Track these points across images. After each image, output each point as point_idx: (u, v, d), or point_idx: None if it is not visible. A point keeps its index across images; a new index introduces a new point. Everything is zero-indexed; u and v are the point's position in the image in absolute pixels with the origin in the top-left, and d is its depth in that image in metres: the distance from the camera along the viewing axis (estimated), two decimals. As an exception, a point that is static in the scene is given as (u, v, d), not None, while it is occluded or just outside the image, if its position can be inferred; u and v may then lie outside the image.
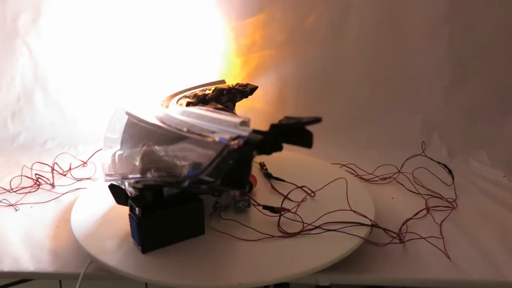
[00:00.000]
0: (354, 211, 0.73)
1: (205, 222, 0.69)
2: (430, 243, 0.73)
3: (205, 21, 1.28)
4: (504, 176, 1.04)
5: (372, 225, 0.71)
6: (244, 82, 1.04)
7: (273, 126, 0.55)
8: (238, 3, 1.27)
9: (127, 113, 0.74)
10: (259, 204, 0.75)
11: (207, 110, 0.71)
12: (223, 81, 1.05)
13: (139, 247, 0.65)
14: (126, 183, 0.68)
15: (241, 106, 1.24)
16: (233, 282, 0.58)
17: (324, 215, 0.72)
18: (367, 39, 1.28)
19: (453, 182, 0.95)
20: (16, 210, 0.88)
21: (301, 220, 0.72)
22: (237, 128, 0.57)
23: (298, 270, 0.61)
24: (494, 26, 1.23)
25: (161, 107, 0.82)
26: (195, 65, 1.29)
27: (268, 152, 0.56)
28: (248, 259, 0.64)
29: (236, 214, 0.75)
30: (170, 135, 0.63)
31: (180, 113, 0.71)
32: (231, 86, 0.98)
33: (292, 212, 0.74)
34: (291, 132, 0.56)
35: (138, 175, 0.66)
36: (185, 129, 0.61)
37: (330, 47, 1.29)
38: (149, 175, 0.65)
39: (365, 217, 0.72)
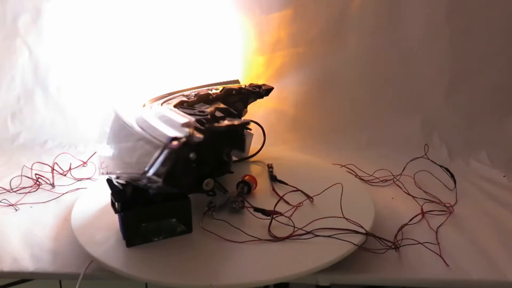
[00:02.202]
0: (347, 219, 0.70)
1: (192, 220, 0.69)
2: (428, 249, 0.72)
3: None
4: (504, 176, 1.04)
5: (366, 233, 0.68)
6: (261, 83, 1.01)
7: (206, 129, 0.56)
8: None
9: (113, 109, 0.75)
10: (252, 206, 0.74)
11: (171, 110, 0.72)
12: (237, 81, 1.03)
13: (124, 241, 0.66)
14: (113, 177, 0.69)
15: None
16: (205, 282, 0.58)
17: (314, 220, 0.70)
18: (367, 39, 1.28)
19: (455, 186, 0.93)
20: (16, 210, 0.88)
21: (293, 225, 0.70)
22: (178, 129, 0.58)
23: (274, 276, 0.60)
24: (494, 26, 1.23)
25: (143, 106, 0.81)
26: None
27: (206, 154, 0.57)
28: (228, 260, 0.64)
29: (230, 214, 0.75)
30: (133, 133, 0.65)
31: (153, 113, 0.72)
32: (242, 86, 0.96)
33: (285, 216, 0.72)
34: (224, 135, 0.58)
35: (116, 171, 0.68)
36: (142, 129, 0.63)
37: (331, 48, 1.29)
38: (114, 171, 0.66)
39: (359, 225, 0.69)
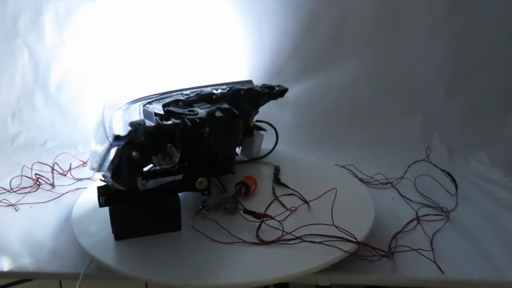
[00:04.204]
0: (337, 227, 0.68)
1: (183, 218, 0.70)
2: (423, 255, 0.70)
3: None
4: (504, 176, 1.04)
5: (357, 242, 0.65)
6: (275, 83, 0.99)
7: (143, 128, 0.58)
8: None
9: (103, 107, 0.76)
10: (243, 208, 0.73)
11: (139, 109, 0.72)
12: (250, 81, 1.00)
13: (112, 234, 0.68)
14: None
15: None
16: (178, 280, 0.58)
17: (306, 225, 0.68)
18: (366, 39, 1.28)
19: (456, 192, 0.91)
20: (16, 210, 0.88)
21: (282, 229, 0.68)
22: (125, 128, 0.59)
23: (253, 279, 0.59)
24: (494, 26, 1.23)
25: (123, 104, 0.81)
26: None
27: (149, 153, 0.58)
28: (209, 260, 0.63)
29: (224, 215, 0.74)
30: (102, 130, 0.67)
31: (125, 112, 0.73)
32: (252, 87, 0.94)
33: (276, 220, 0.70)
34: (160, 135, 0.59)
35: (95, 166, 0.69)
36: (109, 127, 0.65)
37: (331, 48, 1.29)
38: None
39: (350, 234, 0.66)
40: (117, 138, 0.58)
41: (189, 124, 0.67)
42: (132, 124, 0.60)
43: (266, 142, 1.01)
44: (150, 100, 0.78)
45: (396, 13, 1.25)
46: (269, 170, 0.94)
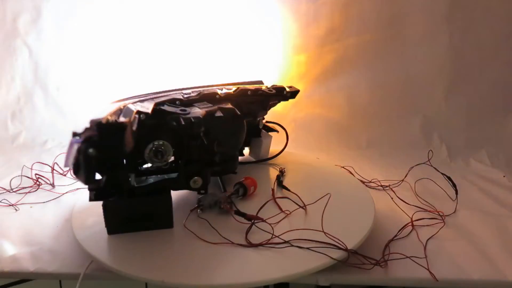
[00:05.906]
0: (325, 233, 0.67)
1: (175, 216, 0.70)
2: (416, 263, 0.68)
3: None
4: (504, 176, 1.04)
5: (346, 250, 0.64)
6: (288, 85, 0.97)
7: (97, 125, 0.59)
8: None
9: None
10: (235, 209, 0.73)
11: (112, 107, 0.71)
12: (260, 82, 0.99)
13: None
14: None
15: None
16: (158, 277, 0.59)
17: (298, 230, 0.68)
18: (366, 38, 1.28)
19: (457, 197, 0.90)
20: (16, 210, 0.87)
21: (272, 232, 0.67)
22: (86, 126, 0.60)
23: (222, 282, 0.59)
24: (494, 26, 1.23)
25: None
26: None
27: (106, 150, 0.59)
28: (195, 259, 0.63)
29: (218, 215, 0.74)
30: None
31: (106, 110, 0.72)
32: (262, 87, 0.93)
33: (267, 223, 0.70)
34: (112, 133, 0.60)
35: None
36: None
37: (330, 48, 1.29)
38: None
39: (341, 241, 0.65)
40: (74, 134, 0.58)
41: (183, 123, 0.67)
42: (91, 121, 0.60)
43: (279, 143, 1.01)
44: (143, 98, 0.76)
45: (396, 13, 1.25)
46: (276, 172, 0.94)
